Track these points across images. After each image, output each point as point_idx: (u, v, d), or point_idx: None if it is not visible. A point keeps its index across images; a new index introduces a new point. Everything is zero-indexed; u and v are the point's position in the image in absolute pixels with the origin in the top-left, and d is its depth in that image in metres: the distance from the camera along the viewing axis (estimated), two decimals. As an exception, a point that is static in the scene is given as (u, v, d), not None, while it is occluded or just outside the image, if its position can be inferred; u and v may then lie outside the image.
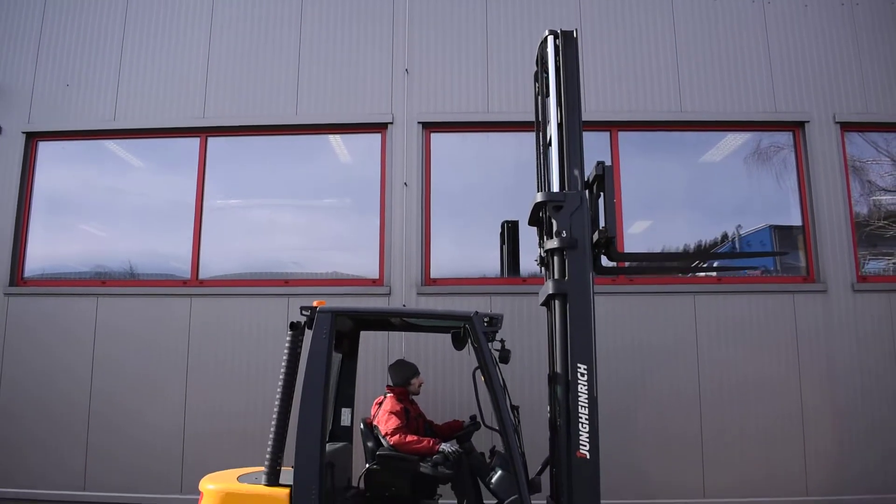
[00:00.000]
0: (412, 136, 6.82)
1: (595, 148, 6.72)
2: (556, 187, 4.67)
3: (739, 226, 6.85)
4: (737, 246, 6.84)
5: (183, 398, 6.43)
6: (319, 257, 6.94)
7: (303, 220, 7.09)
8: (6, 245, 6.85)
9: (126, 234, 7.04)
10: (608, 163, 4.80)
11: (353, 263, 6.82)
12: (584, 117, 4.85)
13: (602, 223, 4.65)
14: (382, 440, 4.70)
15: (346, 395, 5.19)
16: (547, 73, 4.99)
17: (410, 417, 4.90)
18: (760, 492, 6.12)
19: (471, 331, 4.32)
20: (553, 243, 4.51)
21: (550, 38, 4.98)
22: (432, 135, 6.93)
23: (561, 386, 4.34)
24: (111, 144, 7.18)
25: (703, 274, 6.64)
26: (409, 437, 4.60)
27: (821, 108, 6.83)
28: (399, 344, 6.36)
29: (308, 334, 4.37)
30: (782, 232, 6.88)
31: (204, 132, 7.04)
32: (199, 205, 6.89)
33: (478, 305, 6.26)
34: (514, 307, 6.37)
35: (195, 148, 7.03)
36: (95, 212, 7.12)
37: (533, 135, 5.37)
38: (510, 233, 6.39)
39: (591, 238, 4.55)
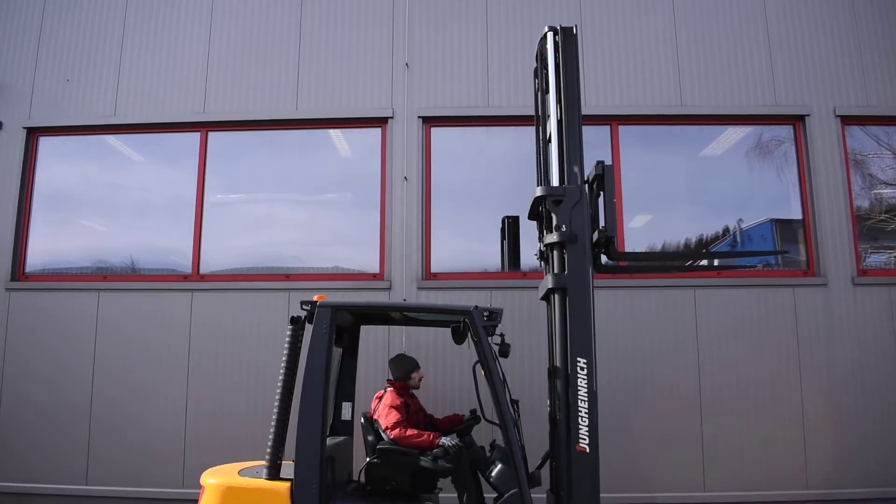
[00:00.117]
0: (412, 130, 6.81)
1: (595, 142, 6.72)
2: (555, 183, 4.67)
3: (740, 219, 6.84)
4: (738, 239, 6.83)
5: (184, 392, 6.45)
6: (320, 252, 6.95)
7: (303, 214, 7.10)
8: (7, 240, 6.86)
9: (127, 229, 7.05)
10: (608, 161, 4.79)
11: (354, 258, 6.83)
12: (584, 111, 4.84)
13: (602, 222, 4.65)
14: (383, 434, 4.71)
15: (346, 390, 5.21)
16: (546, 70, 4.98)
17: (411, 411, 4.91)
18: (760, 485, 6.14)
19: (471, 325, 4.33)
20: (553, 237, 4.51)
21: (550, 35, 4.96)
22: (432, 129, 6.92)
23: (561, 380, 4.35)
24: (112, 139, 7.18)
25: (704, 262, 6.61)
26: (410, 431, 4.61)
27: (821, 101, 6.81)
28: (399, 338, 6.38)
29: (308, 329, 4.38)
30: (783, 225, 6.86)
31: (204, 127, 7.04)
32: (199, 200, 6.90)
33: (478, 300, 6.27)
34: (514, 301, 6.38)
35: (195, 143, 7.03)
36: (96, 207, 7.13)
37: (533, 128, 5.37)
38: (511, 228, 6.38)
39: (591, 236, 4.54)
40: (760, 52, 6.93)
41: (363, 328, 5.51)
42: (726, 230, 6.87)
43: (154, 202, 7.06)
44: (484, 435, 5.06)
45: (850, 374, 6.32)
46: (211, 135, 7.05)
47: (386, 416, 4.72)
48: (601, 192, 4.76)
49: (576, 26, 4.91)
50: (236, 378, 6.44)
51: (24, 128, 7.06)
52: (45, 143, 7.16)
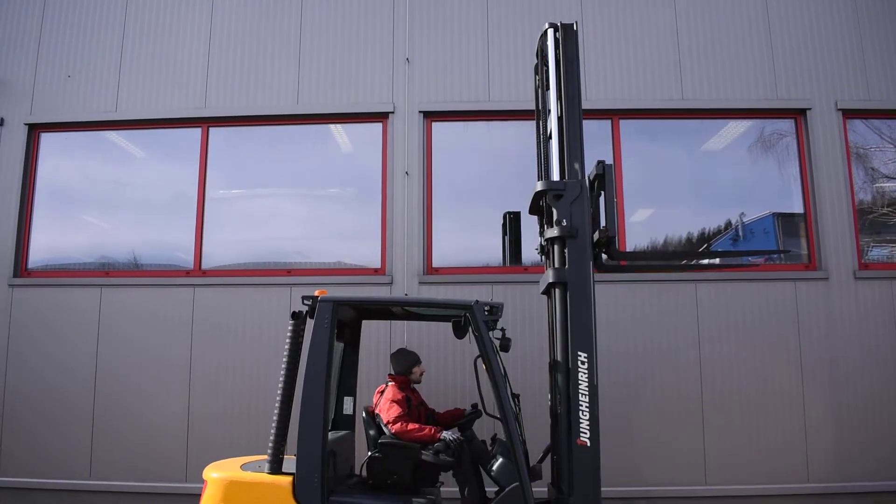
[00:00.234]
0: (413, 125, 6.81)
1: (596, 136, 6.71)
2: (556, 178, 4.67)
3: (742, 213, 6.84)
4: (740, 233, 6.83)
5: (187, 387, 6.46)
6: (321, 247, 6.96)
7: (305, 209, 7.10)
8: (10, 236, 6.88)
9: (129, 224, 7.06)
10: (609, 154, 4.79)
11: (356, 253, 6.84)
12: (585, 105, 4.84)
13: (603, 222, 4.65)
14: (384, 428, 4.73)
15: (347, 384, 5.23)
16: (547, 66, 4.97)
17: (412, 406, 4.93)
18: (761, 477, 6.15)
19: (472, 319, 4.34)
20: (553, 232, 4.52)
21: (550, 31, 4.95)
22: (433, 124, 6.92)
23: (561, 374, 4.36)
24: (113, 135, 7.19)
25: (706, 261, 6.62)
26: (411, 426, 4.62)
27: (822, 95, 6.79)
28: (401, 333, 6.39)
29: (310, 323, 4.40)
30: (785, 219, 6.85)
31: (205, 122, 7.04)
32: (201, 195, 6.91)
33: (479, 294, 6.29)
34: (515, 296, 6.38)
35: (197, 138, 7.04)
36: (98, 203, 7.15)
37: (534, 123, 5.36)
38: (512, 223, 6.39)
39: (592, 234, 4.55)
40: (762, 46, 6.91)
41: (365, 323, 5.52)
42: (728, 224, 6.86)
43: (156, 198, 7.07)
44: (485, 429, 5.08)
45: (851, 367, 6.31)
46: (212, 130, 7.05)
47: (387, 410, 4.73)
48: (601, 192, 4.77)
49: (576, 22, 4.90)
50: (238, 372, 6.46)
51: (26, 124, 7.06)
52: (47, 139, 7.17)
